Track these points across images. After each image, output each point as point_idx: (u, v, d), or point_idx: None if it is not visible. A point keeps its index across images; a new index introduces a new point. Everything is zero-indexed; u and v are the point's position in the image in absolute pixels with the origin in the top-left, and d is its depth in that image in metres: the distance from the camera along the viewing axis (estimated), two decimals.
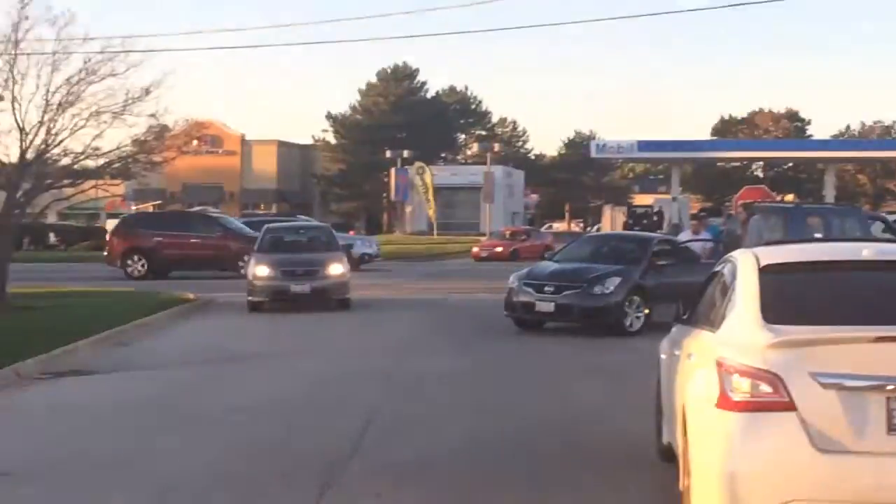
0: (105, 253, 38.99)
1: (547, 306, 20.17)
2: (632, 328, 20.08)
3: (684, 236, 25.36)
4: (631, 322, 20.13)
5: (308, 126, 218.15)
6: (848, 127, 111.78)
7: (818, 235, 21.19)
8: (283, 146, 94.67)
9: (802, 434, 6.34)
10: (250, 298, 24.57)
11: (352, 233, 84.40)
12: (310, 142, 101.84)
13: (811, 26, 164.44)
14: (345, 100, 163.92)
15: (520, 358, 17.50)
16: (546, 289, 20.29)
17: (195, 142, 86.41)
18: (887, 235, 25.56)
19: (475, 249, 57.47)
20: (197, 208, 78.67)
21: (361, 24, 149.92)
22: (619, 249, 22.37)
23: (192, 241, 37.24)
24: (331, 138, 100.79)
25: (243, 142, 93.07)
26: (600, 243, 23.67)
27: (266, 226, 29.01)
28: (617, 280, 20.16)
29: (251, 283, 24.65)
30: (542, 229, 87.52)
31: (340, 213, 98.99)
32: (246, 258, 35.55)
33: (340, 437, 11.03)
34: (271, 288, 24.59)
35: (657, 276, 20.66)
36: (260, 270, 24.76)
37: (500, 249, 57.29)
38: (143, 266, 36.74)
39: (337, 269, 24.95)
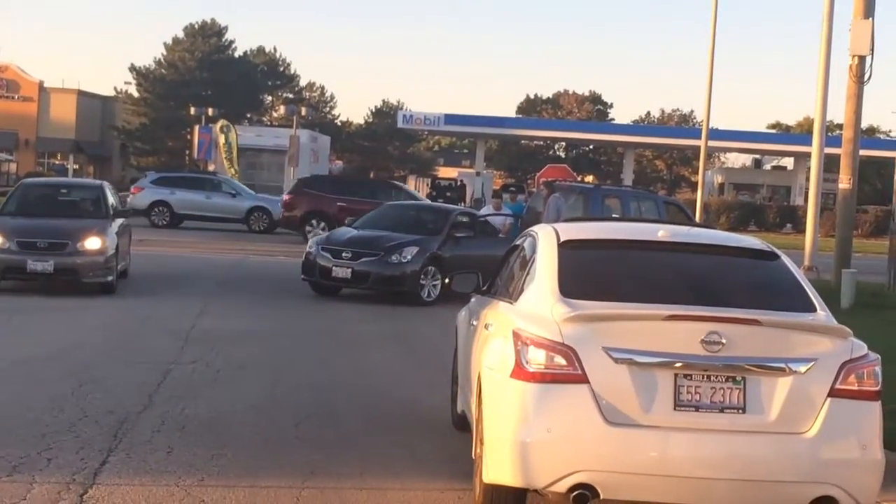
0: (281, 215, 37.12)
1: (344, 272, 20.13)
2: (428, 298, 20.31)
3: (485, 210, 25.71)
4: (427, 292, 20.34)
5: (110, 77, 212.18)
6: (648, 113, 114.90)
7: (616, 216, 21.79)
8: (83, 96, 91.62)
9: (593, 407, 6.49)
10: None
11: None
12: (112, 93, 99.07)
13: (617, 11, 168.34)
14: (149, 53, 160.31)
15: (317, 323, 17.44)
16: (344, 255, 20.25)
17: None
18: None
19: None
20: None
21: None
22: (419, 220, 22.50)
23: None
24: (133, 91, 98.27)
25: (41, 89, 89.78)
26: (401, 212, 23.70)
27: (21, 181, 24.09)
28: (414, 250, 20.29)
29: None
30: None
31: (141, 168, 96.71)
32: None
33: (133, 393, 10.84)
34: (3, 263, 19.03)
35: (455, 248, 20.89)
36: None
37: None
38: (323, 231, 35.22)
39: (94, 242, 19.16)
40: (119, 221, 20.84)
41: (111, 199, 21.23)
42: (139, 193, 42.83)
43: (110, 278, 19.38)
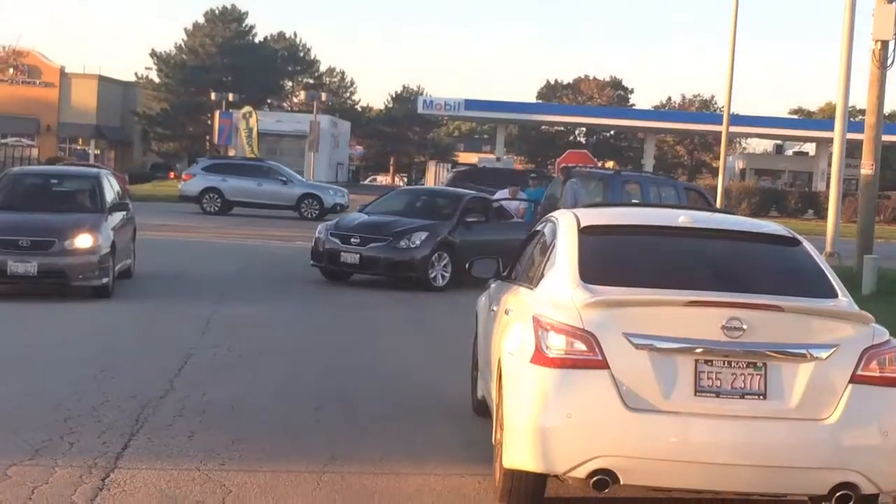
0: None
1: (352, 258, 20.03)
2: (438, 283, 20.18)
3: (500, 195, 25.64)
4: (437, 277, 20.24)
5: (131, 62, 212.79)
6: (669, 99, 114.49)
7: (636, 202, 21.68)
8: (104, 81, 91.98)
9: (614, 392, 6.48)
10: None
11: (172, 175, 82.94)
12: (133, 79, 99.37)
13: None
14: (170, 38, 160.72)
15: (334, 308, 17.43)
16: (352, 240, 20.12)
17: (11, 70, 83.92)
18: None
19: None
20: (10, 140, 76.30)
21: None
22: (430, 205, 22.30)
23: None
24: (154, 76, 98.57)
25: (62, 74, 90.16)
26: (413, 197, 23.51)
27: (7, 171, 21.97)
28: (423, 235, 20.11)
29: None
30: (366, 182, 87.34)
31: (161, 153, 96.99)
32: None
33: (154, 378, 10.87)
34: None
35: (467, 233, 20.74)
36: None
37: None
38: None
39: (85, 240, 16.62)
40: (120, 215, 18.51)
41: (110, 190, 18.55)
42: (190, 180, 43.24)
43: (105, 280, 16.81)
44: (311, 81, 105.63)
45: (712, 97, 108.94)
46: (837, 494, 6.52)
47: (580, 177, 24.56)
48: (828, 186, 32.50)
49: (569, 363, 6.58)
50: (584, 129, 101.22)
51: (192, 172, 44.34)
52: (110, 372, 11.13)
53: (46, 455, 7.99)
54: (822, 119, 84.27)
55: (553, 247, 7.68)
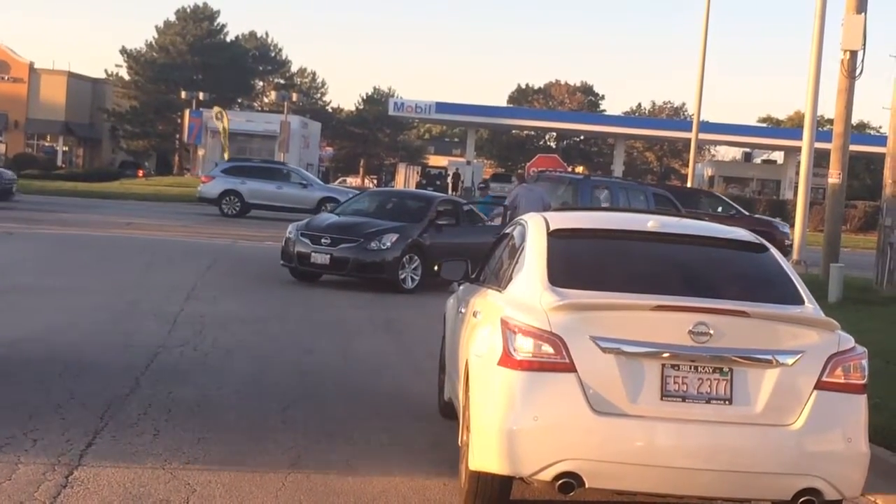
0: None
1: (322, 258, 20.05)
2: (408, 285, 20.21)
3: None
4: (407, 279, 20.25)
5: (101, 59, 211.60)
6: (639, 105, 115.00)
7: (605, 206, 21.76)
8: (73, 77, 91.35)
9: (580, 396, 6.49)
10: None
11: (140, 173, 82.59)
12: (102, 76, 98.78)
13: (611, 2, 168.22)
14: (141, 36, 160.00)
15: (303, 309, 17.38)
16: (322, 241, 20.14)
17: None
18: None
19: None
20: None
21: None
22: (401, 207, 22.34)
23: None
24: (124, 74, 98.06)
25: (31, 70, 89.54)
26: (384, 199, 23.59)
27: None
28: (394, 237, 20.15)
29: None
30: (336, 183, 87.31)
31: (130, 151, 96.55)
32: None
33: (120, 376, 10.80)
34: None
35: (437, 236, 20.78)
36: None
37: None
38: None
39: None
40: None
41: None
42: (210, 182, 43.15)
43: None
44: (282, 81, 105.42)
45: (682, 104, 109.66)
46: (801, 500, 6.55)
47: (552, 181, 24.63)
48: (795, 195, 32.68)
49: (536, 366, 6.58)
50: (554, 133, 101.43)
51: (211, 174, 44.26)
52: (75, 369, 11.03)
53: (10, 451, 7.93)
54: (791, 128, 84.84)
55: (522, 250, 7.69)
